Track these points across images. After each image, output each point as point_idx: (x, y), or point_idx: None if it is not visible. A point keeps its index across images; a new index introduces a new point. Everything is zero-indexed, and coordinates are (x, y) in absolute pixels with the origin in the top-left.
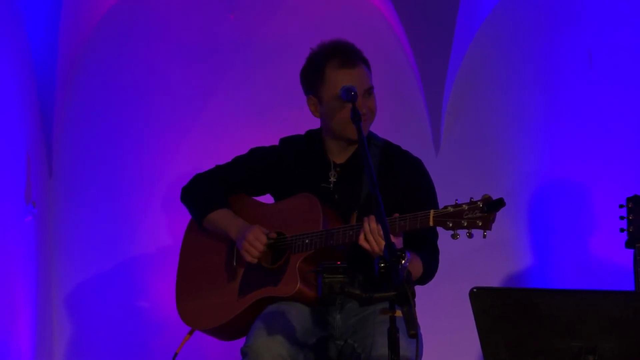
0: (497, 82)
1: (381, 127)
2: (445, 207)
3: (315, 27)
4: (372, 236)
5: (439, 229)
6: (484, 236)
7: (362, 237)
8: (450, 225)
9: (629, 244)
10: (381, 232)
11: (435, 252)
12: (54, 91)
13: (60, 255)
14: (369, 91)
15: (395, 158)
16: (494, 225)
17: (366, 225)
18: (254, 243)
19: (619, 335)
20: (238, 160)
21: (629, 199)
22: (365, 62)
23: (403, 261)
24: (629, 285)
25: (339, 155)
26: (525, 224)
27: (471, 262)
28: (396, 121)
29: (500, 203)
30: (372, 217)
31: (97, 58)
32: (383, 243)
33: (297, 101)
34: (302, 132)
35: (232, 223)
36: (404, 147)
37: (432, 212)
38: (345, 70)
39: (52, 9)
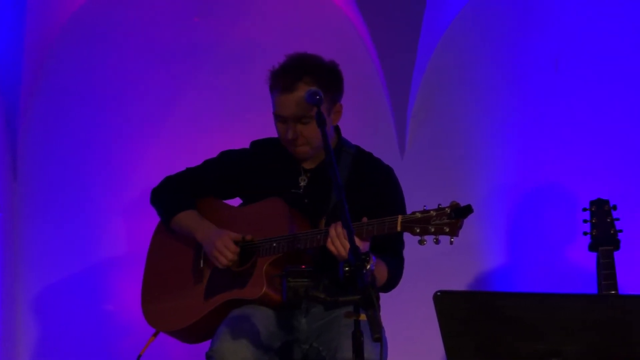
0: (463, 85)
1: (346, 130)
2: (413, 212)
3: (281, 30)
4: (338, 240)
5: (406, 236)
6: (451, 242)
7: (329, 241)
8: (418, 230)
9: (592, 247)
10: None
11: (401, 261)
12: (19, 94)
13: (25, 259)
14: (301, 119)
15: (366, 165)
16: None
17: (332, 230)
18: (224, 252)
19: (582, 338)
20: (208, 163)
21: (592, 203)
22: (312, 85)
23: (368, 265)
24: (592, 288)
25: (309, 161)
26: (491, 227)
27: (436, 266)
28: (361, 124)
29: (468, 210)
30: (339, 223)
31: (62, 61)
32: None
33: (266, 103)
34: (270, 134)
35: (199, 225)
36: (368, 150)
37: (400, 217)
38: (280, 96)
39: (16, 12)
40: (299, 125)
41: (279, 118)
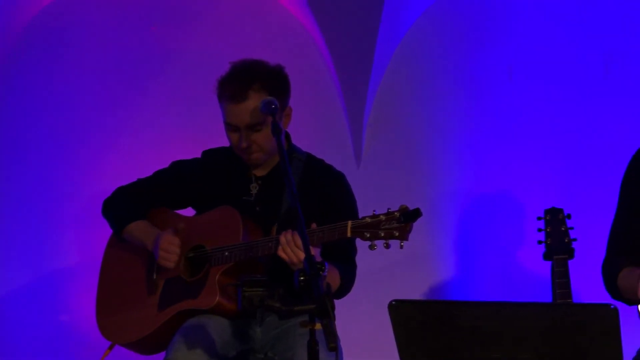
0: (419, 93)
1: (302, 139)
2: (363, 217)
3: (238, 40)
4: (288, 247)
5: (358, 242)
6: (401, 246)
7: (280, 248)
8: (368, 235)
9: (546, 256)
10: (298, 243)
11: (353, 267)
12: None
13: None
14: (254, 127)
15: (317, 172)
16: (415, 237)
17: (282, 237)
18: (169, 248)
19: (536, 347)
20: (159, 173)
21: (546, 211)
22: (261, 91)
23: (321, 272)
24: (547, 296)
25: (260, 168)
26: (447, 236)
27: (392, 275)
28: (317, 133)
29: (416, 213)
30: (289, 230)
31: (16, 71)
32: (301, 254)
33: (219, 113)
34: (223, 144)
35: (149, 234)
36: (324, 159)
37: (349, 222)
38: (230, 106)
39: None
40: (253, 134)
41: (230, 127)
